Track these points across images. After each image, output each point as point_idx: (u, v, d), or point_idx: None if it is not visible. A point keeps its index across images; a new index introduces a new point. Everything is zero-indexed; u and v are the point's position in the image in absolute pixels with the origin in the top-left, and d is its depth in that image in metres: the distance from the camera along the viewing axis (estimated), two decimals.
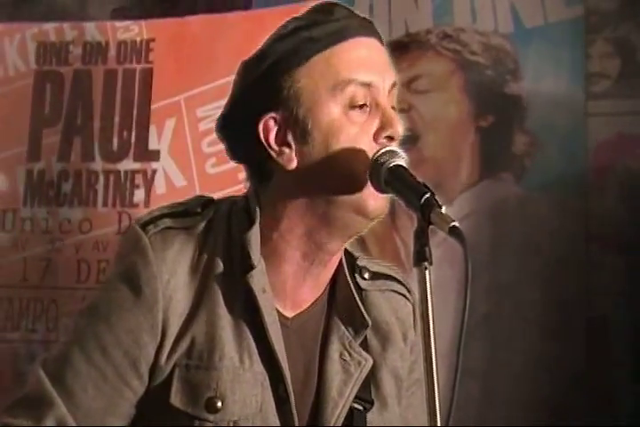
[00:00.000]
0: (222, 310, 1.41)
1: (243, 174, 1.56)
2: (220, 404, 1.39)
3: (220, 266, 1.43)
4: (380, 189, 1.39)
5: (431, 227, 1.27)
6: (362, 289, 1.54)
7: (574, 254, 2.80)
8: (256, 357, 1.42)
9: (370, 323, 1.50)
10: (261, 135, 1.42)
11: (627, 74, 2.87)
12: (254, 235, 1.43)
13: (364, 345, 1.51)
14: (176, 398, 1.39)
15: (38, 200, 2.74)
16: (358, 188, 1.40)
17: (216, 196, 1.55)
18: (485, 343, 2.78)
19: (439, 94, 2.98)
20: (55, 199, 2.73)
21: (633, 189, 2.81)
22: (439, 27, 3.02)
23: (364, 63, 1.43)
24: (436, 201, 1.29)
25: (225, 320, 1.41)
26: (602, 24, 2.90)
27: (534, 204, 2.86)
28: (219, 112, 1.50)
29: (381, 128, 1.42)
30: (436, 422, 1.22)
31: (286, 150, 1.42)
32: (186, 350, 1.40)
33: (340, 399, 1.46)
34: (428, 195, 1.29)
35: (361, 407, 1.48)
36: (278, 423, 1.42)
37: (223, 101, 1.51)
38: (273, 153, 1.42)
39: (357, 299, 1.50)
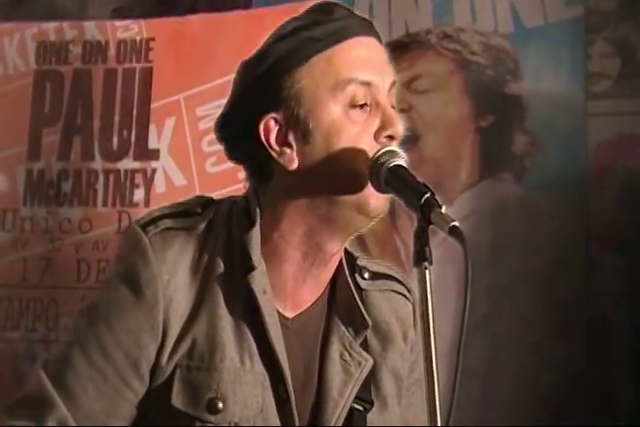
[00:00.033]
0: (223, 311, 1.41)
1: (243, 174, 1.56)
2: (221, 405, 1.39)
3: (221, 266, 1.43)
4: (380, 189, 1.39)
5: (431, 227, 1.27)
6: (362, 289, 1.54)
7: (574, 254, 2.80)
8: (257, 357, 1.42)
9: (370, 323, 1.50)
10: (262, 135, 1.42)
11: (627, 74, 2.87)
12: (254, 235, 1.43)
13: (365, 345, 1.51)
14: (177, 399, 1.39)
15: (38, 200, 2.74)
16: (360, 187, 1.40)
17: (216, 195, 1.55)
18: (485, 343, 2.78)
19: (439, 94, 2.98)
20: (55, 199, 2.72)
21: (633, 189, 2.80)
22: (439, 27, 3.01)
23: (364, 63, 1.43)
24: (436, 201, 1.29)
25: (226, 321, 1.41)
26: (602, 24, 2.89)
27: (534, 204, 2.86)
28: (218, 111, 1.50)
29: (382, 127, 1.42)
30: (436, 422, 1.22)
31: (287, 151, 1.42)
32: (187, 351, 1.40)
33: (340, 400, 1.46)
34: (428, 195, 1.29)
35: (361, 408, 1.48)
36: (279, 424, 1.42)
37: (223, 100, 1.51)
38: (274, 153, 1.42)
39: (357, 299, 1.50)
